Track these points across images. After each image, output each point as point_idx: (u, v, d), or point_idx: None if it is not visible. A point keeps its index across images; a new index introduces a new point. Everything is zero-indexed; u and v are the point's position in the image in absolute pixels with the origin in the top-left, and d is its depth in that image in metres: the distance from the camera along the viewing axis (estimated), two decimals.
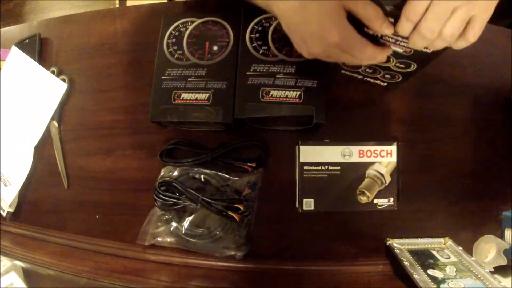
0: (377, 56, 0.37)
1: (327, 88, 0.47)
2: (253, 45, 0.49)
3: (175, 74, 0.49)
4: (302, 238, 0.52)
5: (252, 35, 0.49)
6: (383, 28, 0.33)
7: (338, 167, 0.48)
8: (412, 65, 0.44)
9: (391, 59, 0.43)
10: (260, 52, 0.48)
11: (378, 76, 0.50)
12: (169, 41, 0.51)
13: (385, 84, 0.52)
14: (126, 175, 0.57)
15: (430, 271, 0.43)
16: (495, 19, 0.56)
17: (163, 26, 0.52)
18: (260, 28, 0.50)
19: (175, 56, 0.50)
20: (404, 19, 0.32)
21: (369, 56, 0.37)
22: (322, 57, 0.38)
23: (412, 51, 0.39)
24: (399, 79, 0.48)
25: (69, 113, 0.62)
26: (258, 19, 0.50)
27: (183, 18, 0.52)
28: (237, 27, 0.50)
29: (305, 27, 0.36)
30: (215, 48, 0.50)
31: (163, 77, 0.49)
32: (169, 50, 0.51)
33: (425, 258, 0.46)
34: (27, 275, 0.67)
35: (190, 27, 0.51)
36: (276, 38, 0.49)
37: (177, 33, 0.51)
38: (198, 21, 0.51)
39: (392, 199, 0.49)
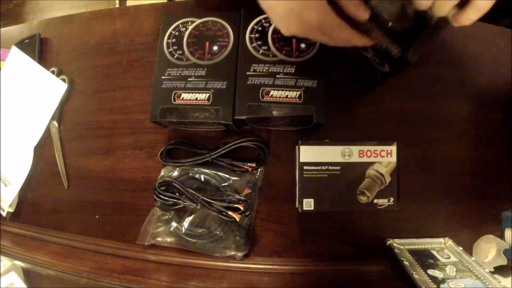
0: (354, 39, 0.37)
1: (327, 88, 0.47)
2: (253, 45, 0.49)
3: (175, 74, 0.49)
4: (302, 238, 0.52)
5: (252, 35, 0.49)
6: (358, 12, 0.34)
7: (338, 167, 0.48)
8: (386, 66, 0.44)
9: (368, 49, 0.44)
10: (260, 52, 0.48)
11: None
12: (169, 41, 0.51)
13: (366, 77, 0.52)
14: (126, 175, 0.58)
15: (430, 271, 0.43)
16: (495, 19, 0.57)
17: (163, 26, 0.52)
18: (260, 28, 0.50)
19: (175, 56, 0.50)
20: None
21: (346, 39, 0.37)
22: (300, 35, 0.38)
23: (382, 46, 0.40)
24: (378, 78, 0.48)
25: (69, 113, 0.62)
26: (258, 19, 0.50)
27: (183, 18, 0.52)
28: (237, 27, 0.50)
29: (284, 5, 0.36)
30: (215, 48, 0.50)
31: (163, 77, 0.49)
32: (169, 50, 0.51)
33: (425, 258, 0.46)
34: (27, 275, 0.66)
35: (190, 27, 0.51)
36: (276, 38, 0.49)
37: (177, 33, 0.51)
38: (198, 21, 0.51)
39: (392, 199, 0.49)
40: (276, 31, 0.49)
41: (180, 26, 0.52)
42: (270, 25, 0.50)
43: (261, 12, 0.50)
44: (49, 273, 0.58)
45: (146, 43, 0.59)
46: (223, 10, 0.53)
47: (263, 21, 0.50)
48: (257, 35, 0.49)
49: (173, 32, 0.52)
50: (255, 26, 0.50)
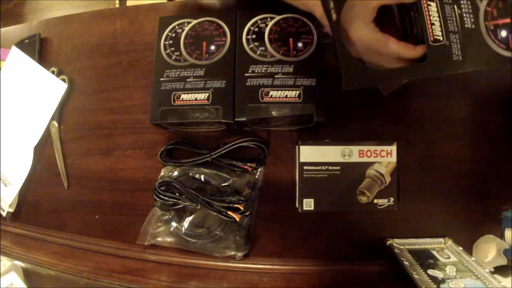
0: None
1: (326, 86, 0.47)
2: (250, 46, 0.49)
3: (173, 75, 0.49)
4: (302, 238, 0.52)
5: (248, 37, 0.49)
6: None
7: (338, 167, 0.48)
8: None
9: None
10: (258, 53, 0.48)
11: None
12: (166, 43, 0.51)
13: None
14: (126, 175, 0.58)
15: (430, 271, 0.43)
16: None
17: (159, 28, 0.52)
18: (256, 29, 0.50)
19: (173, 58, 0.50)
20: None
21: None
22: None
23: None
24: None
25: (69, 113, 0.62)
26: (253, 20, 0.50)
27: (179, 20, 0.52)
28: (233, 26, 0.50)
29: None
30: (212, 47, 0.50)
31: (161, 79, 0.49)
32: (167, 52, 0.51)
33: (425, 258, 0.46)
34: (27, 275, 0.67)
35: (187, 28, 0.51)
36: (273, 39, 0.49)
37: (173, 35, 0.51)
38: (194, 21, 0.51)
39: (392, 199, 0.49)
40: (272, 31, 0.49)
41: (177, 27, 0.52)
42: (266, 25, 0.50)
43: (256, 13, 0.50)
44: (49, 273, 0.58)
45: (146, 43, 0.59)
46: (219, 10, 0.53)
47: (259, 21, 0.50)
48: (254, 36, 0.49)
49: (169, 34, 0.52)
50: (251, 27, 0.50)
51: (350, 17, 0.36)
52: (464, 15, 0.34)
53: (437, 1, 0.33)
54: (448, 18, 0.34)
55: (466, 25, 0.33)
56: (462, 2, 0.34)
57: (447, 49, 0.34)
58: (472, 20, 0.33)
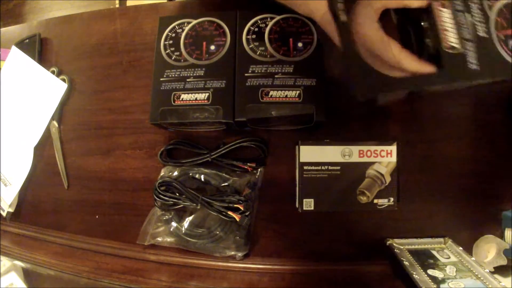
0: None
1: (326, 86, 0.47)
2: (250, 46, 0.49)
3: (173, 75, 0.49)
4: (302, 238, 0.52)
5: (248, 37, 0.49)
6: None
7: (338, 167, 0.48)
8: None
9: None
10: (258, 53, 0.48)
11: None
12: (166, 43, 0.51)
13: None
14: (126, 175, 0.58)
15: (430, 271, 0.43)
16: None
17: (159, 28, 0.52)
18: (256, 29, 0.50)
19: (173, 58, 0.50)
20: None
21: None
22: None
23: None
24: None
25: (69, 113, 0.62)
26: (253, 20, 0.50)
27: (179, 19, 0.52)
28: (233, 26, 0.50)
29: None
30: (212, 47, 0.50)
31: (161, 79, 0.49)
32: (167, 52, 0.51)
33: (425, 258, 0.46)
34: (27, 275, 0.67)
35: (187, 28, 0.51)
36: (273, 39, 0.49)
37: (173, 35, 0.51)
38: (194, 21, 0.51)
39: (392, 199, 0.49)
40: (273, 31, 0.49)
41: (177, 27, 0.52)
42: (266, 25, 0.50)
43: (257, 12, 0.50)
44: (49, 273, 0.58)
45: (146, 43, 0.59)
46: (219, 10, 0.53)
47: (259, 21, 0.50)
48: (254, 36, 0.49)
49: (169, 34, 0.51)
50: (251, 27, 0.50)
51: (354, 15, 0.35)
52: (476, 23, 0.32)
53: (449, 7, 0.32)
54: (462, 25, 0.32)
55: (479, 34, 0.32)
56: (473, 10, 0.32)
57: (463, 58, 0.32)
58: (485, 29, 0.32)
